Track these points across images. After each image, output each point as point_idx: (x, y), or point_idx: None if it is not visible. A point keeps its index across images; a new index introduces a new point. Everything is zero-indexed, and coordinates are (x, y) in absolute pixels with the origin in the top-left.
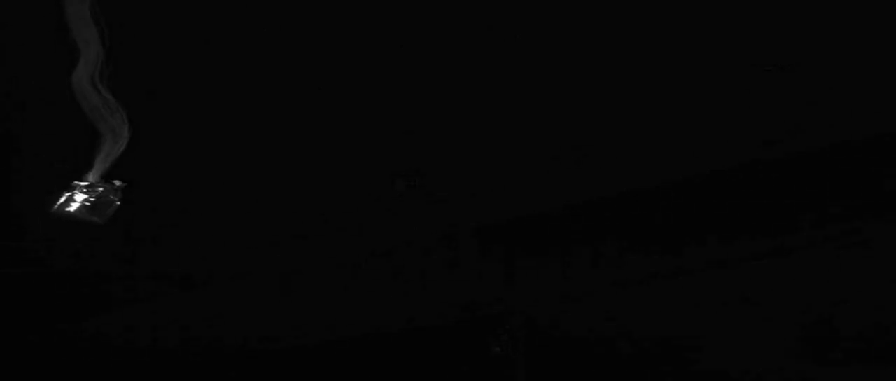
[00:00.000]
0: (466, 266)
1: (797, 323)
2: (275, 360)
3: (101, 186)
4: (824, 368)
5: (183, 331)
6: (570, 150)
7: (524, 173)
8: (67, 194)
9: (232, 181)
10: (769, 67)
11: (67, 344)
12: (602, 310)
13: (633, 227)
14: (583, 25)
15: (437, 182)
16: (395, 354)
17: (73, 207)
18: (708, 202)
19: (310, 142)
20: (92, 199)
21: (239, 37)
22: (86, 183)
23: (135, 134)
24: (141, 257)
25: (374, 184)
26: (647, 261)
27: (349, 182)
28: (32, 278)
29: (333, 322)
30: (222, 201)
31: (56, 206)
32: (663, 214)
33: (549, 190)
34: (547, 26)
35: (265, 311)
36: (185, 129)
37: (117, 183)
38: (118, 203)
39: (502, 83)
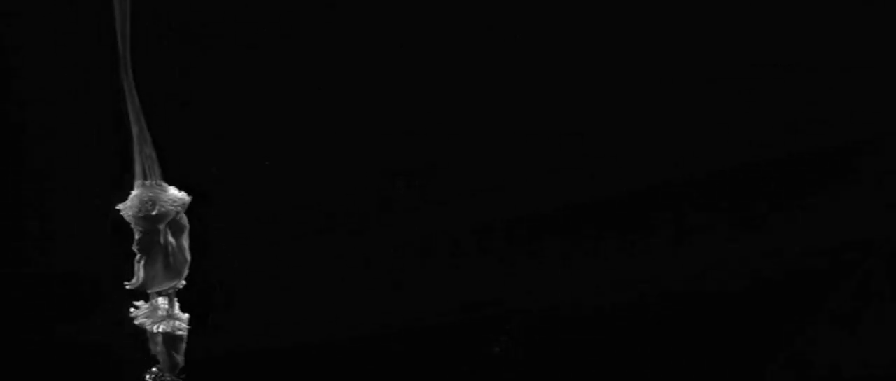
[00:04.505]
0: (466, 266)
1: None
2: (274, 360)
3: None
4: None
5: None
6: (570, 150)
7: (524, 173)
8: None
9: (230, 181)
10: (769, 67)
11: (67, 344)
12: (603, 310)
13: (634, 227)
14: (583, 25)
15: (438, 182)
16: (396, 354)
17: None
18: (709, 203)
19: (309, 141)
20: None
21: (237, 36)
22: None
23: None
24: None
25: (373, 184)
26: (649, 261)
27: (348, 182)
28: (32, 278)
29: (333, 322)
30: (221, 202)
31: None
32: (664, 214)
33: (549, 190)
34: (546, 26)
35: (265, 311)
36: (184, 129)
37: None
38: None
39: (502, 83)
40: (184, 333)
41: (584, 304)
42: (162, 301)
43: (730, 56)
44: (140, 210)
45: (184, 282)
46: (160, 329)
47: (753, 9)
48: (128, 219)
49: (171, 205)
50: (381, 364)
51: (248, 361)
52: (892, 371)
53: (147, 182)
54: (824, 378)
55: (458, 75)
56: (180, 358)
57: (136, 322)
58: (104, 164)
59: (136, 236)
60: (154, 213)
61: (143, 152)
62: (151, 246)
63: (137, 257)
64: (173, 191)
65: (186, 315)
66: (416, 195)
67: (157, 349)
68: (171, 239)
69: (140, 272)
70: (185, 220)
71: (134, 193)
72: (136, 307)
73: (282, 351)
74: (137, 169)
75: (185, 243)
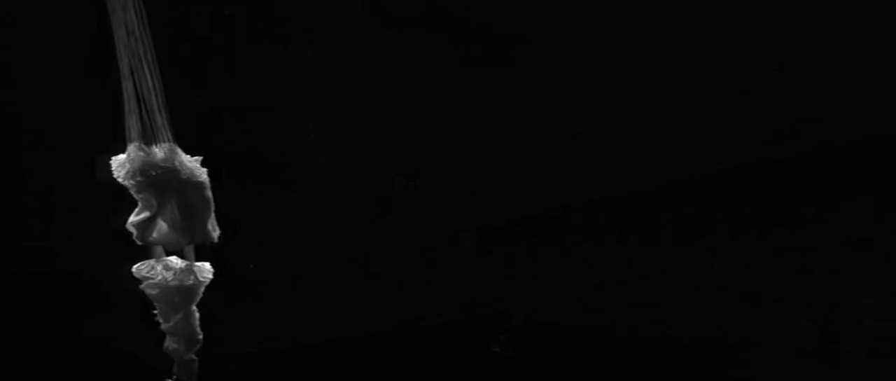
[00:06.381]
0: (466, 266)
1: (798, 322)
2: (274, 360)
3: None
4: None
5: None
6: (570, 150)
7: (524, 174)
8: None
9: (229, 182)
10: (769, 67)
11: (67, 344)
12: (602, 310)
13: (634, 227)
14: (582, 24)
15: (437, 182)
16: (396, 354)
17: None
18: (708, 202)
19: (309, 142)
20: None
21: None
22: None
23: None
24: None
25: (374, 184)
26: (649, 261)
27: (348, 182)
28: (32, 278)
29: (333, 322)
30: (221, 202)
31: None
32: (663, 214)
33: (549, 190)
34: (545, 26)
35: (264, 311)
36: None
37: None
38: None
39: (502, 84)
40: (200, 337)
41: (584, 303)
42: (175, 259)
43: (729, 56)
44: (138, 171)
45: (215, 238)
46: (174, 284)
47: (753, 10)
48: (122, 176)
49: (179, 169)
50: (382, 364)
51: (249, 361)
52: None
53: (156, 145)
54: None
55: (459, 77)
56: (195, 360)
57: (145, 283)
58: (105, 163)
59: (135, 195)
60: (154, 174)
61: (147, 115)
62: (152, 206)
63: (138, 216)
64: (185, 157)
65: (207, 264)
66: (416, 195)
67: (171, 347)
68: (180, 201)
69: (140, 228)
70: (199, 183)
71: (131, 153)
72: (141, 267)
73: (282, 352)
74: (135, 129)
75: (201, 204)
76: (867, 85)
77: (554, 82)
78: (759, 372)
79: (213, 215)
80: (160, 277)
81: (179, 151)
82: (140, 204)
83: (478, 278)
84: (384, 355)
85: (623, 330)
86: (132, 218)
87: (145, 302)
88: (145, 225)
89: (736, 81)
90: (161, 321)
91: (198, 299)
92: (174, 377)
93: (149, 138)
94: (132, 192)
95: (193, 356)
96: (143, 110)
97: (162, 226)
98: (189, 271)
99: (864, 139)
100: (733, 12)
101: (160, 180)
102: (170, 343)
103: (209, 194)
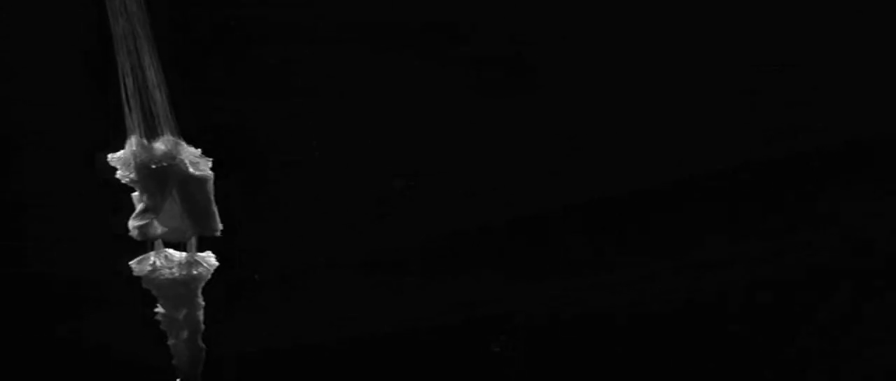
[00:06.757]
0: (466, 266)
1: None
2: (274, 360)
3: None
4: None
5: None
6: (570, 150)
7: (524, 173)
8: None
9: (230, 182)
10: (769, 67)
11: (66, 345)
12: (602, 310)
13: (635, 227)
14: (580, 24)
15: (437, 182)
16: (395, 354)
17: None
18: (709, 203)
19: (307, 141)
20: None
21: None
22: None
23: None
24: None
25: (373, 183)
26: (650, 261)
27: (348, 182)
28: (32, 278)
29: (333, 322)
30: (221, 202)
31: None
32: (664, 214)
33: (549, 190)
34: (544, 26)
35: (264, 312)
36: (182, 130)
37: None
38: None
39: (501, 83)
40: (202, 327)
41: (584, 304)
42: (173, 251)
43: (728, 56)
44: (139, 165)
45: (217, 231)
46: (179, 276)
47: (753, 9)
48: (122, 172)
49: (180, 163)
50: (381, 364)
51: (249, 362)
52: (891, 372)
53: (157, 139)
54: (823, 379)
55: (459, 75)
56: (202, 349)
57: (144, 276)
58: (105, 160)
59: (136, 189)
60: (154, 167)
61: (148, 109)
62: (154, 200)
63: (139, 212)
64: (187, 150)
65: (209, 253)
66: (416, 195)
67: (172, 341)
68: (183, 194)
69: (142, 225)
70: (202, 176)
71: (132, 146)
72: (141, 261)
73: (281, 352)
74: (136, 123)
75: (204, 197)
76: (867, 85)
77: (553, 82)
78: (762, 373)
79: (215, 208)
80: (162, 270)
81: (182, 143)
82: (141, 199)
83: (478, 278)
84: (384, 355)
85: (624, 330)
86: (133, 216)
87: (145, 301)
88: (147, 221)
89: (736, 81)
90: (164, 316)
91: (200, 288)
92: (176, 374)
93: (150, 132)
94: (133, 187)
95: (201, 345)
96: (144, 104)
97: (164, 220)
98: (192, 262)
99: (864, 139)
100: (733, 12)
101: (162, 174)
102: (172, 338)
103: (212, 186)
